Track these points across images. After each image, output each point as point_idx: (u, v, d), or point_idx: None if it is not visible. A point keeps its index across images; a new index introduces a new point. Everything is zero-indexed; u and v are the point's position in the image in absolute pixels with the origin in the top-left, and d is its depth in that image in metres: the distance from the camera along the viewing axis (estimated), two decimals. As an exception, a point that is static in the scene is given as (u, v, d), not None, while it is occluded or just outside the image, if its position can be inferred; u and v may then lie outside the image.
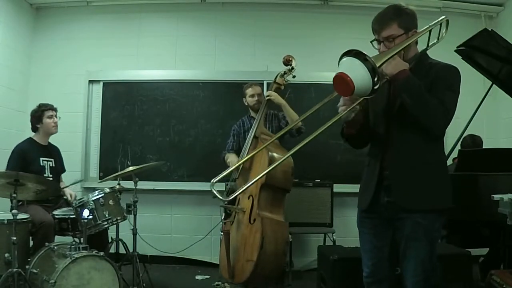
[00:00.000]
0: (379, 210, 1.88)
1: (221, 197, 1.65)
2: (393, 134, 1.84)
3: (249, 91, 3.61)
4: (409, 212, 1.78)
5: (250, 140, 3.32)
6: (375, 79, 1.53)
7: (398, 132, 1.83)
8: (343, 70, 1.54)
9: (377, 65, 1.56)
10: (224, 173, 1.74)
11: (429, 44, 1.89)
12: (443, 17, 1.91)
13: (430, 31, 1.87)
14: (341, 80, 1.54)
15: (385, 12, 1.84)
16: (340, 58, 1.61)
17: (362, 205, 1.95)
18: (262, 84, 4.46)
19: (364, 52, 1.55)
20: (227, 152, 3.66)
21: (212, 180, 1.66)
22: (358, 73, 1.52)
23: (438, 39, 1.92)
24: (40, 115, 3.49)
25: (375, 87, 1.55)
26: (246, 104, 3.67)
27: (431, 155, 1.83)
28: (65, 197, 3.48)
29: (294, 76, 3.47)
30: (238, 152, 3.61)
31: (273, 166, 1.78)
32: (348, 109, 1.70)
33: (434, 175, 1.82)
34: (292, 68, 3.43)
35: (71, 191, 3.53)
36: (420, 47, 1.93)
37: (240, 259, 3.05)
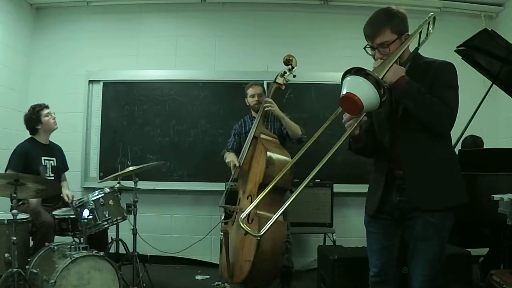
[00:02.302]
0: (390, 210, 1.86)
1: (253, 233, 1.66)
2: (400, 138, 1.84)
3: (250, 91, 3.58)
4: (424, 211, 1.77)
5: (250, 140, 3.32)
6: (381, 92, 1.54)
7: (405, 135, 1.82)
8: (349, 89, 1.54)
9: (380, 77, 1.56)
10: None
11: (420, 43, 1.89)
12: (430, 13, 1.90)
13: (420, 31, 1.86)
14: (349, 100, 1.54)
15: (377, 17, 1.83)
16: (342, 78, 1.61)
17: (369, 211, 1.93)
18: (262, 84, 4.46)
19: (363, 67, 1.55)
20: (226, 151, 3.65)
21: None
22: (363, 90, 1.53)
23: (426, 36, 1.91)
24: (37, 116, 3.50)
25: (383, 100, 1.56)
26: (247, 104, 3.66)
27: (441, 152, 1.82)
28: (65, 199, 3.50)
29: (294, 76, 3.46)
30: (238, 151, 3.60)
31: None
32: (356, 124, 1.69)
33: (447, 172, 1.82)
34: (292, 67, 3.41)
35: (68, 192, 3.52)
36: (411, 46, 1.92)
37: (239, 259, 3.06)
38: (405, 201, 1.81)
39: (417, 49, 1.88)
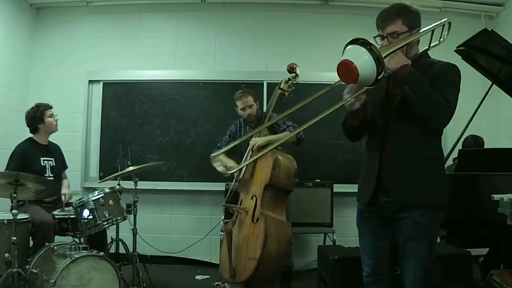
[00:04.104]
0: (378, 210, 1.88)
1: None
2: (392, 130, 1.85)
3: (239, 104, 3.51)
4: (407, 208, 1.78)
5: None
6: (380, 69, 1.55)
7: (397, 127, 1.84)
8: (348, 57, 1.56)
9: (382, 55, 1.57)
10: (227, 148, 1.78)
11: (431, 45, 1.91)
12: (445, 19, 1.94)
13: (432, 31, 1.89)
14: (346, 67, 1.55)
15: (391, 9, 1.88)
16: (346, 46, 1.62)
17: (362, 201, 1.95)
18: (262, 84, 4.47)
19: (370, 41, 1.57)
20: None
21: (212, 154, 1.71)
22: (363, 61, 1.54)
23: (439, 40, 1.94)
24: (41, 115, 3.49)
25: (379, 77, 1.57)
26: (238, 114, 3.58)
27: (429, 150, 1.84)
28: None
29: (297, 83, 3.48)
30: (231, 153, 3.59)
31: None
32: (353, 97, 1.72)
33: (432, 170, 1.83)
34: (296, 75, 3.45)
35: (67, 191, 3.52)
36: (422, 48, 1.95)
37: (242, 258, 3.06)
38: (391, 202, 1.83)
39: (426, 50, 1.92)
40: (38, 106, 3.53)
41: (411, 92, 1.72)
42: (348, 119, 1.89)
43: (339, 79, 1.63)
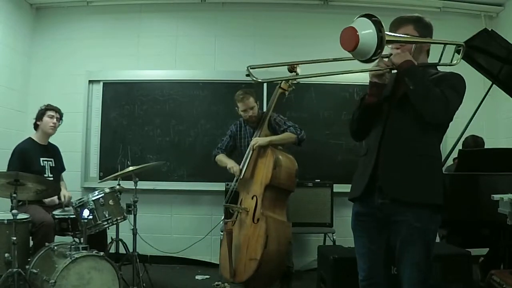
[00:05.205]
0: (373, 211, 1.88)
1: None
2: (391, 126, 1.86)
3: (240, 106, 3.48)
4: (403, 210, 1.77)
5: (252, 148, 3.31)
6: (378, 49, 1.60)
7: (396, 124, 1.84)
8: (356, 26, 1.62)
9: (387, 39, 1.62)
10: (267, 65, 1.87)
11: (440, 61, 1.94)
12: (462, 42, 1.99)
13: (444, 46, 1.91)
14: (350, 33, 1.61)
15: (405, 16, 1.95)
16: (359, 17, 1.66)
17: (354, 194, 1.96)
18: (262, 84, 4.46)
19: (382, 24, 1.61)
20: (219, 152, 3.62)
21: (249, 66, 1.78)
22: (367, 35, 1.60)
23: (451, 63, 1.97)
24: (42, 113, 3.52)
25: (373, 57, 1.63)
26: (239, 114, 3.57)
27: (427, 149, 1.83)
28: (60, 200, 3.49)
29: (298, 83, 3.48)
30: (231, 152, 3.60)
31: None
32: (383, 68, 1.77)
33: (428, 168, 1.82)
34: (297, 74, 3.45)
35: (66, 192, 3.52)
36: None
37: (242, 258, 3.07)
38: (387, 203, 1.82)
39: (434, 63, 1.94)
40: (46, 105, 3.58)
41: (411, 84, 1.73)
42: (369, 93, 1.86)
43: (340, 42, 1.65)
